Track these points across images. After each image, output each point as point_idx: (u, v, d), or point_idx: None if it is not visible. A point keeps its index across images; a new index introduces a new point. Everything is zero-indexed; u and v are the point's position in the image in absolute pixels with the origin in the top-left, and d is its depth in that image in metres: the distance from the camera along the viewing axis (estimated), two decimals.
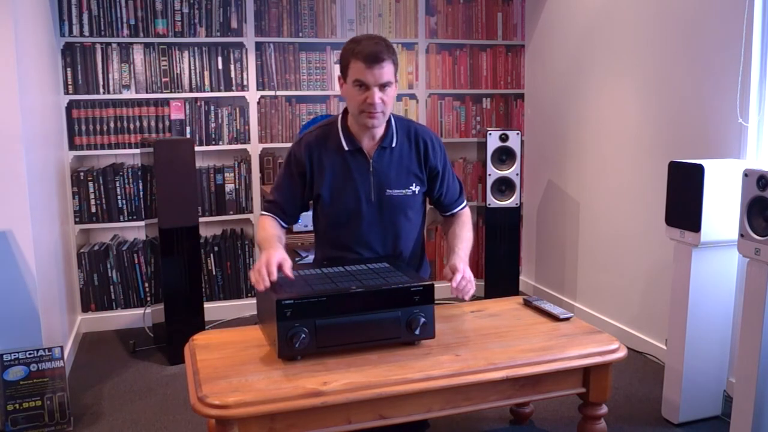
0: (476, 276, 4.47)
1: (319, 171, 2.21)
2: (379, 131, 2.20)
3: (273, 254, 2.00)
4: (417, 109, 4.28)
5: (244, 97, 4.00)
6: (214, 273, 4.02)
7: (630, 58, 3.42)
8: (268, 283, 1.91)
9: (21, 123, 2.65)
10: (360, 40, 2.10)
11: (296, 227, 3.55)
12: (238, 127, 4.01)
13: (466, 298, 2.13)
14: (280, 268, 1.97)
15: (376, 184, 2.20)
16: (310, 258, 3.46)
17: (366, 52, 2.04)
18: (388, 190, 2.21)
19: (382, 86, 2.07)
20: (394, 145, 2.22)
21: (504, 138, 3.89)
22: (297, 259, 3.50)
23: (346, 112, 2.23)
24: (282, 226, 2.27)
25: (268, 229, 2.21)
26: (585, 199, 3.87)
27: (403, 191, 2.23)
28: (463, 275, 2.10)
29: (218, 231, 4.10)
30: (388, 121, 2.22)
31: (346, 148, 2.19)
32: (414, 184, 2.25)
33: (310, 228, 2.41)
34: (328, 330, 1.87)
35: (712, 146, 2.89)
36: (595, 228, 3.80)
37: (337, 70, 4.12)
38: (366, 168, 2.20)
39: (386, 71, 2.06)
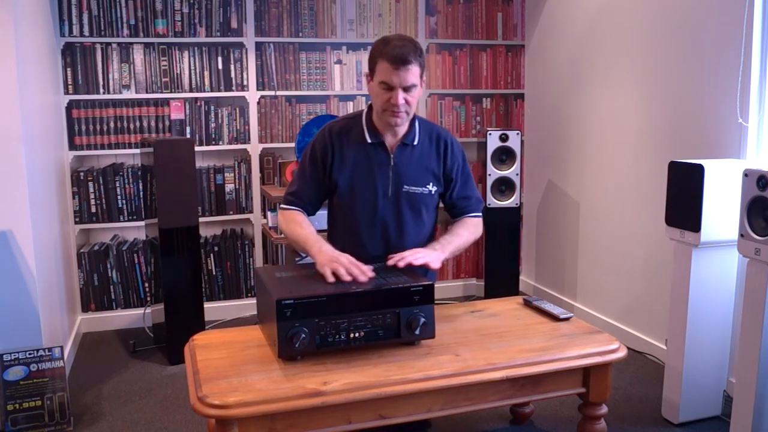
0: (476, 276, 4.52)
1: (340, 160, 2.24)
2: (402, 129, 2.25)
3: (346, 256, 2.06)
4: (417, 109, 4.27)
5: (244, 97, 4.00)
6: (214, 273, 4.02)
7: (630, 58, 3.42)
8: (370, 274, 2.00)
9: (21, 123, 2.65)
10: (389, 40, 2.12)
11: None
12: (238, 127, 4.01)
13: (401, 264, 2.09)
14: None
15: (394, 179, 2.24)
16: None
17: (393, 54, 2.07)
18: (405, 186, 2.24)
19: (407, 88, 2.11)
20: (415, 143, 2.27)
21: (504, 138, 3.89)
22: (297, 259, 3.50)
23: (371, 107, 2.27)
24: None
25: (304, 225, 2.24)
26: (585, 199, 3.87)
27: (420, 189, 2.26)
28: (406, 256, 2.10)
29: (218, 231, 4.10)
30: (412, 120, 2.27)
31: (369, 141, 2.24)
32: (431, 183, 2.28)
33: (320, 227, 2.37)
34: (328, 330, 1.87)
35: (712, 146, 2.89)
36: (595, 228, 3.80)
37: (337, 70, 4.15)
38: (386, 162, 2.24)
39: (412, 74, 2.09)
